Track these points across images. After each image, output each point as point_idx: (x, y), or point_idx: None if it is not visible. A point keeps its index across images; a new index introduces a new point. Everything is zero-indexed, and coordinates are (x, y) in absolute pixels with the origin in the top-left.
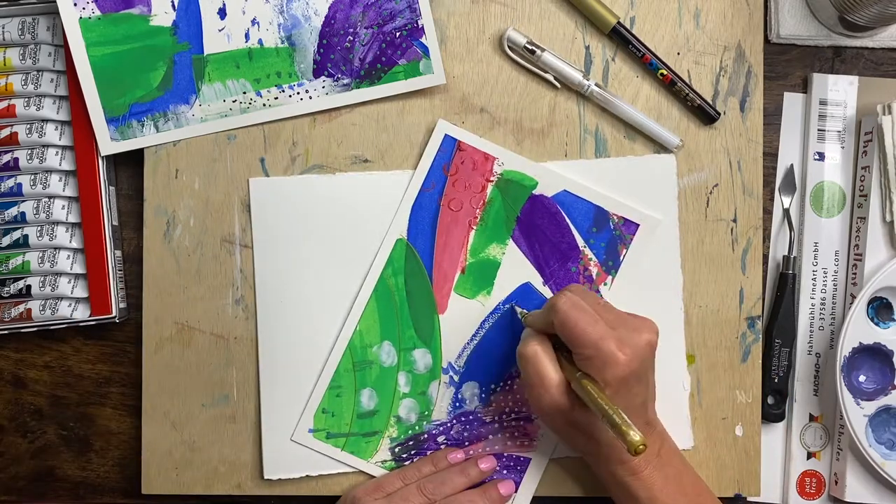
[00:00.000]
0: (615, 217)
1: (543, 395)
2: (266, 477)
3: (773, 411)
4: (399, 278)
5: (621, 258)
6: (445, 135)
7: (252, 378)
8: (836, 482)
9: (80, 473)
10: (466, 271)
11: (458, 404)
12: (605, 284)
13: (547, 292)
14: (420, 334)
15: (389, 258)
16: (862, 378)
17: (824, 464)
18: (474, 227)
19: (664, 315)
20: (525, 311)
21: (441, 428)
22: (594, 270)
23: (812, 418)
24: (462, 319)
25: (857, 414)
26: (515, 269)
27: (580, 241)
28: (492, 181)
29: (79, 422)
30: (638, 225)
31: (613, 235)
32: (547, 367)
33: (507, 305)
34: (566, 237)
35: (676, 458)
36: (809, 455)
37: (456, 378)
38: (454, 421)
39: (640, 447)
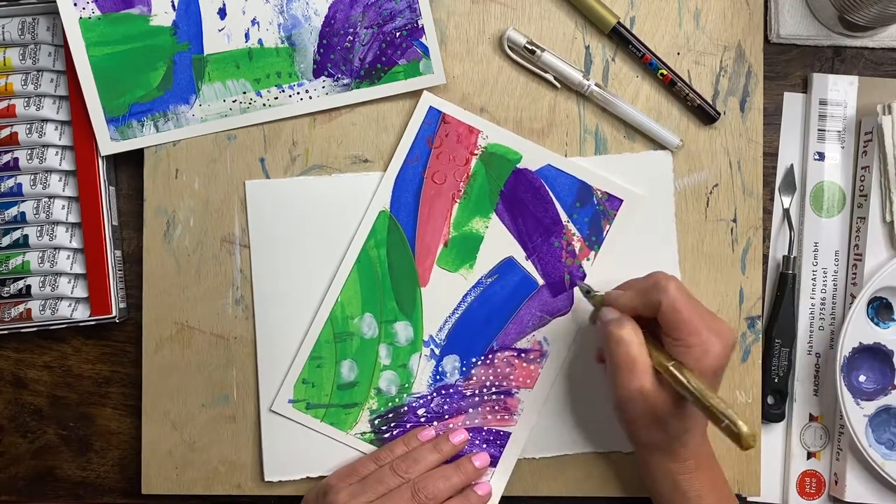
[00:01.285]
0: (599, 192)
1: (632, 380)
2: (266, 479)
3: (773, 411)
4: (381, 250)
5: (604, 234)
6: (430, 107)
7: (252, 378)
8: (836, 482)
9: (80, 473)
10: (449, 244)
11: (438, 377)
12: (588, 259)
13: (530, 267)
14: (402, 307)
15: (372, 230)
16: (862, 378)
17: (824, 464)
18: (458, 201)
19: None
20: (597, 290)
21: (421, 401)
22: (577, 245)
23: (812, 418)
24: (444, 292)
25: (857, 414)
26: (498, 243)
27: (563, 216)
28: (476, 154)
29: (79, 422)
30: (621, 200)
31: (597, 210)
32: (640, 351)
33: (574, 285)
34: (549, 212)
35: (718, 467)
36: (809, 455)
37: (437, 351)
38: (434, 394)
39: (751, 440)
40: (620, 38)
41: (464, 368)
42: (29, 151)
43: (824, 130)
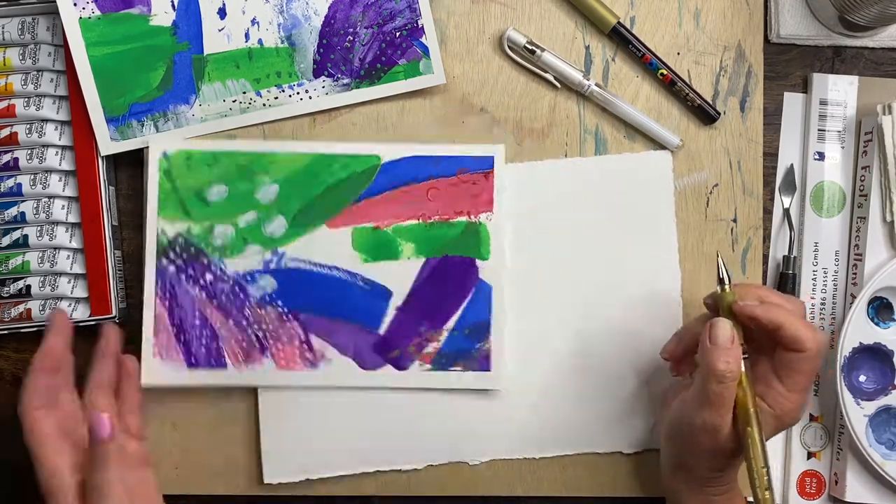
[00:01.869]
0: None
1: (716, 417)
2: (266, 482)
3: None
4: None
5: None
6: None
7: None
8: (836, 482)
9: None
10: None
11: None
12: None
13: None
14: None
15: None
16: (862, 378)
17: (824, 464)
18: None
19: (664, 311)
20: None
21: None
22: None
23: (812, 418)
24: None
25: (857, 414)
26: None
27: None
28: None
29: None
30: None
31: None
32: (734, 388)
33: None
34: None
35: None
36: (809, 455)
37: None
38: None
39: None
40: (620, 38)
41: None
42: (29, 151)
43: (824, 130)
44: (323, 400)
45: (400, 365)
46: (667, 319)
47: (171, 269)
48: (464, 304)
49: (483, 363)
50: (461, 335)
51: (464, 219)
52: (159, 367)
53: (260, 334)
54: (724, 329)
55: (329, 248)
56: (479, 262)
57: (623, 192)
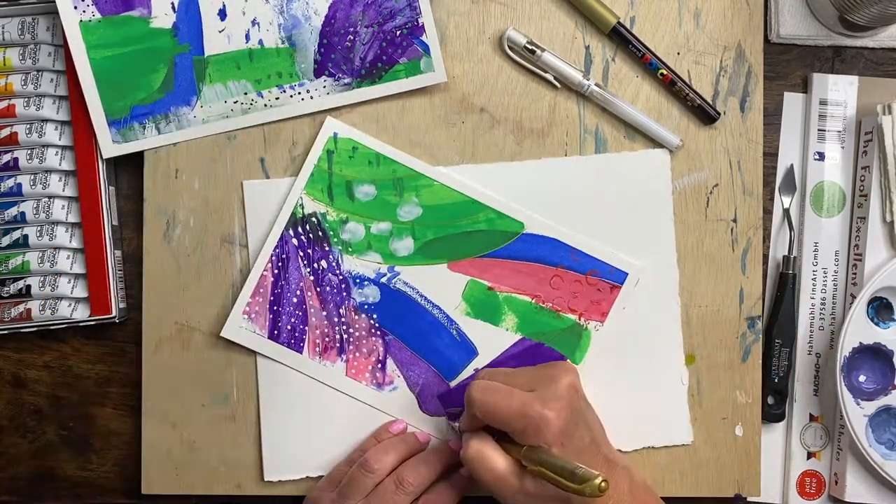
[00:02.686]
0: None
1: (502, 488)
2: (266, 479)
3: (773, 411)
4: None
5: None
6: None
7: (252, 378)
8: (836, 482)
9: (80, 473)
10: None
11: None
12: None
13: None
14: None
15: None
16: (862, 378)
17: (824, 464)
18: None
19: (660, 311)
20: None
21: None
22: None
23: (812, 418)
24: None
25: (857, 414)
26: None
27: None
28: None
29: (79, 422)
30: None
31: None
32: (493, 460)
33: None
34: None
35: (649, 494)
36: (809, 455)
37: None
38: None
39: (602, 484)
40: (620, 38)
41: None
42: (29, 151)
43: (824, 130)
44: (324, 401)
45: (455, 422)
46: (664, 317)
47: (294, 241)
48: None
49: None
50: None
51: (573, 317)
52: (242, 325)
53: (345, 336)
54: (465, 436)
55: (441, 286)
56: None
57: (621, 190)
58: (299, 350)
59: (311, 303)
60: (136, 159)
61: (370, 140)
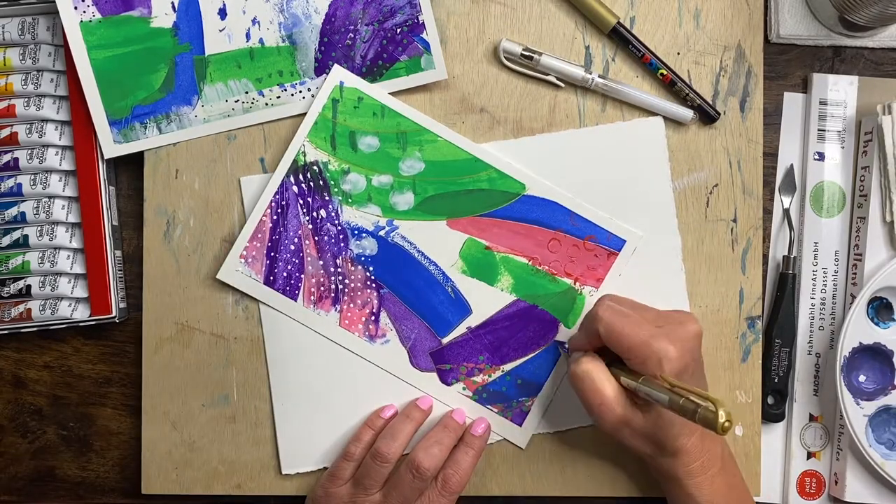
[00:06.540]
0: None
1: (605, 413)
2: (284, 472)
3: (773, 411)
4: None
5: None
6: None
7: (252, 378)
8: (836, 482)
9: (80, 473)
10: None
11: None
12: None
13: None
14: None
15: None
16: (862, 378)
17: (824, 464)
18: None
19: (661, 277)
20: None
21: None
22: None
23: (812, 418)
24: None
25: (857, 414)
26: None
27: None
28: None
29: (79, 422)
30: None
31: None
32: (603, 383)
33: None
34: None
35: (736, 469)
36: (809, 455)
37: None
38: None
39: (725, 423)
40: (620, 38)
41: None
42: (29, 151)
43: (824, 130)
44: (338, 395)
45: (445, 379)
46: (670, 287)
47: (294, 189)
48: (529, 356)
49: (518, 417)
50: (513, 382)
51: (569, 281)
52: (239, 268)
53: (340, 287)
54: (573, 355)
55: (439, 243)
56: (560, 326)
57: (618, 157)
58: (294, 297)
59: (308, 251)
60: (137, 159)
61: (376, 91)
